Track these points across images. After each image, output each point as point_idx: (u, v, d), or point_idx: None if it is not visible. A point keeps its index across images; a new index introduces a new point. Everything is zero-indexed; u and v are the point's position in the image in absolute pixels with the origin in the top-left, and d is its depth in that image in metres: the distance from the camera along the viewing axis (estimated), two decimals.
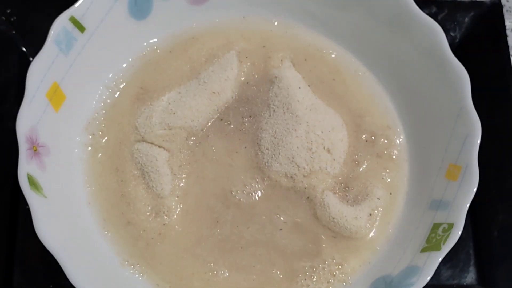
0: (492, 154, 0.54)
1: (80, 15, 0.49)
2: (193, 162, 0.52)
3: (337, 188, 0.51)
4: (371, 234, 0.50)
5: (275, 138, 0.51)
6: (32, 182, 0.44)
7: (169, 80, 0.54)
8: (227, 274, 0.49)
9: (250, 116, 0.53)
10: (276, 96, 0.52)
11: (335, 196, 0.51)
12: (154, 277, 0.49)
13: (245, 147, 0.52)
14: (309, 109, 0.51)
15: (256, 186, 0.51)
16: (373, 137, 0.53)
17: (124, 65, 0.54)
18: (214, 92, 0.52)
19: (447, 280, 0.54)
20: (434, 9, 0.61)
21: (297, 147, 0.50)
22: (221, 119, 0.53)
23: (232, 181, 0.51)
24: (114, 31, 0.52)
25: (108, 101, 0.53)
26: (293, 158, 0.50)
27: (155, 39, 0.55)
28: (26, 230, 0.52)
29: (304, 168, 0.50)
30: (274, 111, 0.52)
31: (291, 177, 0.50)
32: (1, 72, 0.57)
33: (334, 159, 0.51)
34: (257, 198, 0.51)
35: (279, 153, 0.50)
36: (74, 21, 0.48)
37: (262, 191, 0.51)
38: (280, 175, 0.51)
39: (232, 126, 0.53)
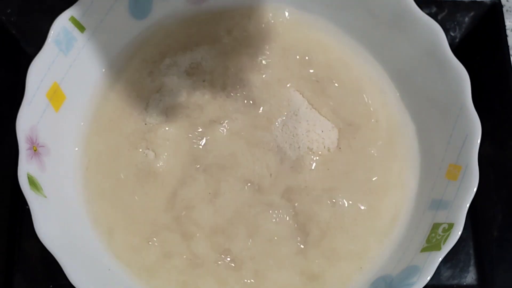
0: (492, 154, 0.54)
1: (80, 15, 0.49)
2: (195, 164, 0.51)
3: None
4: (371, 234, 0.50)
5: None
6: (32, 182, 0.44)
7: None
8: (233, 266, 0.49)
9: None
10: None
11: None
12: (155, 279, 0.49)
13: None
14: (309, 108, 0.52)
15: (255, 186, 0.51)
16: None
17: (125, 64, 0.54)
18: None
19: (447, 280, 0.54)
20: (434, 9, 0.61)
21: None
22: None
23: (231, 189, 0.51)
24: (114, 31, 0.52)
25: (109, 101, 0.53)
26: None
27: (156, 39, 0.55)
28: (26, 230, 0.52)
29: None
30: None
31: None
32: (1, 72, 0.57)
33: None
34: (257, 199, 0.51)
35: None
36: (74, 21, 0.48)
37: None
38: None
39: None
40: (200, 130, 0.52)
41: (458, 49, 0.59)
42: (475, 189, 0.45)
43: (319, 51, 0.55)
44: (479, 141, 0.46)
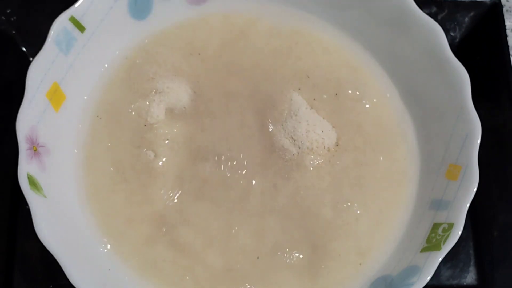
0: (492, 154, 0.54)
1: (80, 15, 0.49)
2: (195, 164, 0.51)
3: None
4: (372, 234, 0.50)
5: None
6: (32, 182, 0.44)
7: None
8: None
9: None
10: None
11: None
12: (156, 278, 0.49)
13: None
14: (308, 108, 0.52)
15: (256, 186, 0.51)
16: None
17: (125, 65, 0.54)
18: None
19: (447, 280, 0.54)
20: (434, 9, 0.61)
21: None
22: None
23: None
24: (114, 31, 0.52)
25: (109, 101, 0.53)
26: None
27: (156, 39, 0.55)
28: (26, 230, 0.52)
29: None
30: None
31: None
32: (1, 72, 0.57)
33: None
34: (258, 199, 0.51)
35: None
36: (74, 21, 0.49)
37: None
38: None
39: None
40: (200, 130, 0.52)
41: (458, 49, 0.60)
42: (475, 189, 0.45)
43: (318, 51, 0.55)
44: (479, 141, 0.46)
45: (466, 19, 0.61)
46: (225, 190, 0.50)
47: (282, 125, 0.51)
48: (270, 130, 0.52)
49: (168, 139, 0.52)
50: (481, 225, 0.55)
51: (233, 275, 0.49)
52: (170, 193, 0.50)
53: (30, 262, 0.52)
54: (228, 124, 0.52)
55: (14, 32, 0.58)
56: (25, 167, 0.44)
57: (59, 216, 0.46)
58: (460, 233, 0.44)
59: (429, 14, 0.50)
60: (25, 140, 0.45)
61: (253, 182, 0.51)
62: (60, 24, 0.48)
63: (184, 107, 0.53)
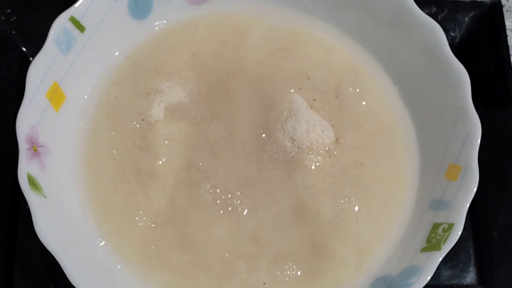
0: (492, 154, 0.54)
1: (80, 15, 0.49)
2: (195, 164, 0.51)
3: None
4: (372, 234, 0.50)
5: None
6: (32, 182, 0.44)
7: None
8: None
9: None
10: None
11: None
12: (155, 278, 0.49)
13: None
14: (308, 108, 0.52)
15: (256, 186, 0.51)
16: None
17: (125, 65, 0.54)
18: None
19: (447, 280, 0.54)
20: (434, 9, 0.61)
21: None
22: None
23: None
24: (114, 31, 0.52)
25: (109, 100, 0.53)
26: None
27: (156, 39, 0.55)
28: (26, 230, 0.52)
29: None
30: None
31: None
32: (1, 72, 0.57)
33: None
34: (258, 199, 0.51)
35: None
36: (74, 21, 0.49)
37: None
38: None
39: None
40: (200, 130, 0.52)
41: (458, 49, 0.60)
42: (475, 189, 0.45)
43: (318, 51, 0.55)
44: (479, 141, 0.46)
45: (466, 19, 0.61)
46: (226, 188, 0.50)
47: (282, 125, 0.51)
48: (269, 129, 0.52)
49: (168, 139, 0.52)
50: (481, 225, 0.55)
51: (229, 270, 0.49)
52: (170, 194, 0.50)
53: (30, 262, 0.52)
54: (227, 124, 0.52)
55: (14, 32, 0.58)
56: (25, 167, 0.44)
57: (59, 216, 0.46)
58: (460, 233, 0.44)
59: (429, 14, 0.50)
60: (25, 140, 0.45)
61: (253, 183, 0.51)
62: (60, 24, 0.48)
63: (184, 107, 0.53)
